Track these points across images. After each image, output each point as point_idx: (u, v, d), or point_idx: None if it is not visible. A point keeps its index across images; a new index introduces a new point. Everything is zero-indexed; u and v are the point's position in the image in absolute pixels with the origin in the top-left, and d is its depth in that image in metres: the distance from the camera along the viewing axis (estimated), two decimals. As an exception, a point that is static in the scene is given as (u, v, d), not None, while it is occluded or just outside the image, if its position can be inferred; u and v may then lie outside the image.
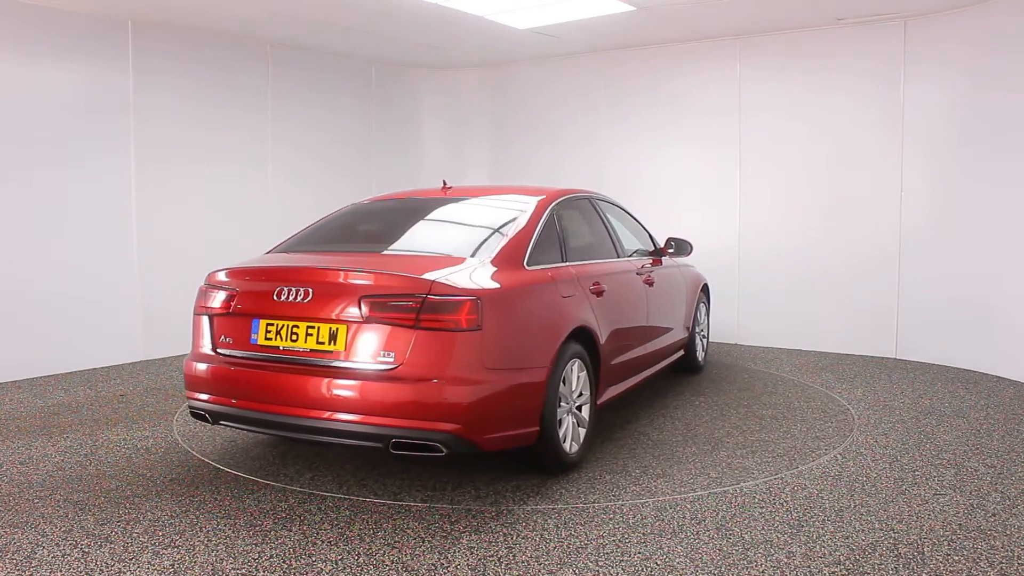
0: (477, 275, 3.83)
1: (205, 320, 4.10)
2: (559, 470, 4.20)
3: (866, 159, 7.44)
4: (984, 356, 6.78)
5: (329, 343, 3.70)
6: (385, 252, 4.28)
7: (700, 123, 8.27)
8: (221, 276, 4.13)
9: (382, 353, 3.60)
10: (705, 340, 7.05)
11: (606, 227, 5.43)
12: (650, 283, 5.57)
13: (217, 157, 7.85)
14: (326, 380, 3.67)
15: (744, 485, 4.10)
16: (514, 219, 4.44)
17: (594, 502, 3.86)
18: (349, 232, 4.74)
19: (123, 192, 7.18)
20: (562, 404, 4.16)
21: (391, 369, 3.58)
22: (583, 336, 4.40)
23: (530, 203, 4.64)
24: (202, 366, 4.06)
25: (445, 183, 5.31)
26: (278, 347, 3.83)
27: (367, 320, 3.64)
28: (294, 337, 3.78)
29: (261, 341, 3.87)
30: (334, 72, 8.91)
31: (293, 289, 3.79)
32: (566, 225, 4.88)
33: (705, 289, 7.01)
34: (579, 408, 4.39)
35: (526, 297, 4.03)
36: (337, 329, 3.69)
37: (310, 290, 3.76)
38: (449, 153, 9.94)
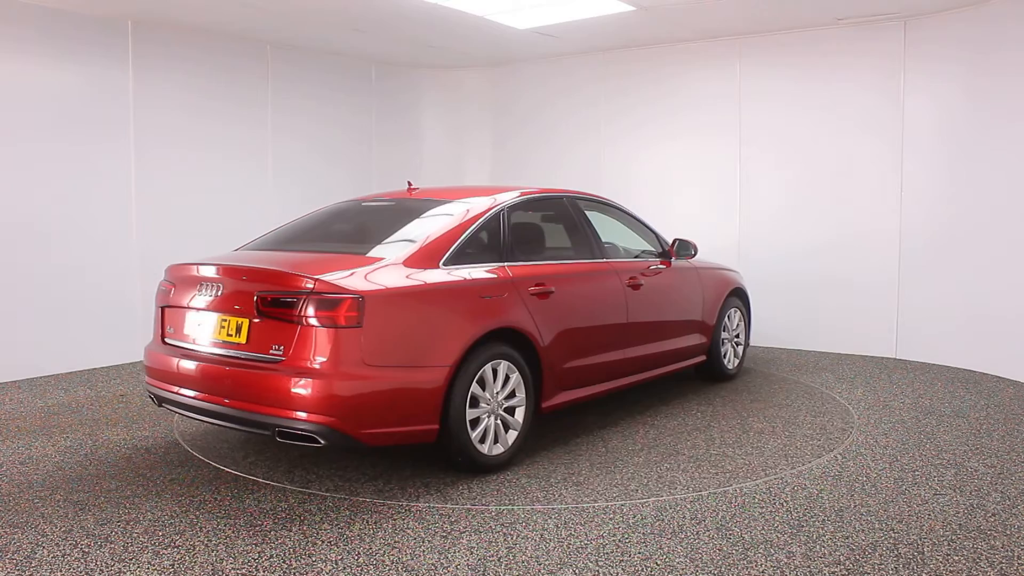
0: (374, 275, 3.96)
1: (159, 312, 4.48)
2: (475, 471, 4.24)
3: (866, 159, 7.44)
4: (984, 356, 6.78)
5: (236, 335, 3.98)
6: (319, 252, 4.46)
7: (700, 123, 8.26)
8: (169, 272, 4.50)
9: (273, 347, 3.83)
10: (741, 347, 6.71)
11: (581, 228, 5.32)
12: (635, 286, 5.38)
13: (218, 157, 7.85)
14: (231, 370, 3.94)
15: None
16: (450, 220, 4.50)
17: (486, 504, 3.86)
18: (306, 233, 4.90)
19: (123, 192, 7.18)
20: (481, 405, 4.20)
21: (279, 362, 3.79)
22: (516, 338, 4.42)
23: (477, 205, 4.68)
24: (154, 353, 4.43)
25: (410, 184, 5.45)
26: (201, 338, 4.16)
27: (262, 315, 3.89)
28: (212, 329, 4.09)
29: (191, 332, 4.21)
30: (334, 72, 8.90)
31: (210, 285, 4.13)
32: (519, 226, 4.93)
33: (738, 293, 6.67)
34: (511, 410, 4.39)
35: (425, 297, 4.10)
36: (242, 323, 3.96)
37: (221, 286, 4.08)
38: (450, 153, 9.94)
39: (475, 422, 4.18)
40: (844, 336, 7.67)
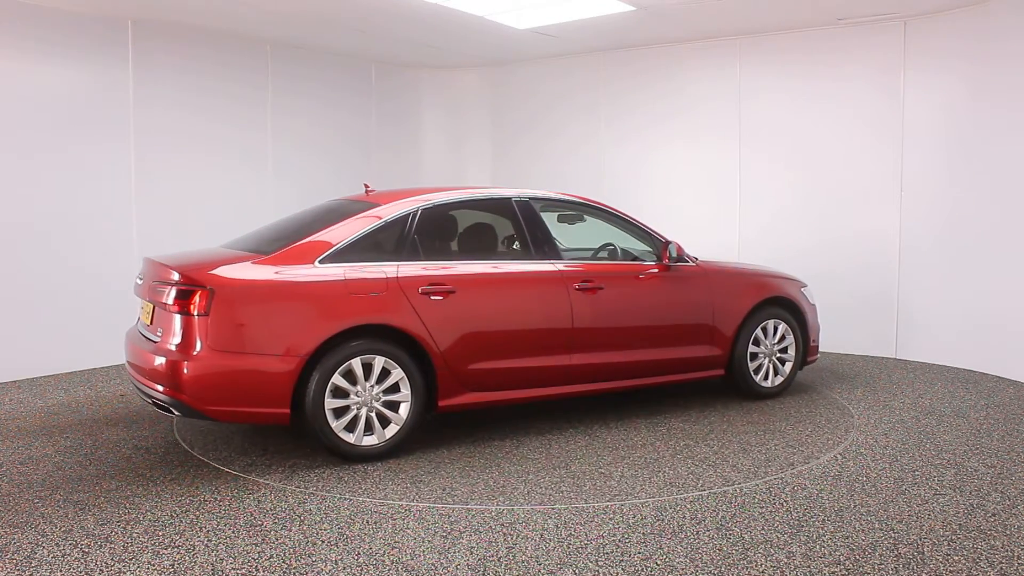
0: (237, 270, 4.38)
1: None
2: (344, 458, 4.47)
3: (866, 159, 7.44)
4: (984, 356, 6.78)
5: (148, 320, 4.63)
6: (238, 249, 4.79)
7: (700, 123, 8.26)
8: (142, 265, 5.01)
9: (159, 330, 4.43)
10: (786, 364, 5.94)
11: (525, 231, 5.16)
12: (590, 290, 5.12)
13: (218, 157, 7.85)
14: (142, 349, 4.53)
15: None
16: (352, 222, 4.73)
17: (330, 492, 4.02)
18: (258, 232, 5.17)
19: (123, 192, 7.17)
20: (351, 396, 4.42)
21: (159, 343, 4.39)
22: (403, 335, 4.53)
23: (391, 208, 4.84)
24: (128, 338, 4.94)
25: (367, 187, 5.57)
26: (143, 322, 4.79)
27: (154, 303, 4.51)
28: (142, 314, 4.80)
29: (141, 317, 4.86)
30: (334, 72, 8.90)
31: (141, 276, 4.80)
32: (434, 227, 5.01)
33: (781, 302, 5.92)
34: (395, 405, 4.53)
35: (281, 291, 4.39)
36: (150, 309, 4.61)
37: (144, 277, 4.74)
38: (449, 153, 9.94)
39: (343, 412, 4.41)
40: (844, 336, 7.66)
